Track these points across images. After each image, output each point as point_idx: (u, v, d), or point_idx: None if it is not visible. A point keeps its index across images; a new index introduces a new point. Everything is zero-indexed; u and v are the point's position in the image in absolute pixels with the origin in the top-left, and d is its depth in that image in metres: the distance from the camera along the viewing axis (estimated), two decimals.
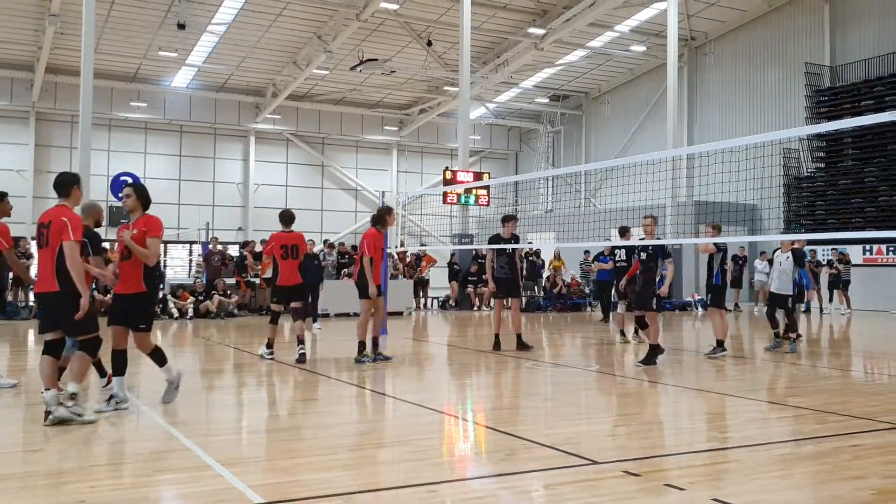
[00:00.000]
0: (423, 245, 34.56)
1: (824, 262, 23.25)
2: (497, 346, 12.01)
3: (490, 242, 12.16)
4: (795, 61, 28.66)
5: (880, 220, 23.17)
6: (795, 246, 12.41)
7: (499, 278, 11.99)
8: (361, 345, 10.41)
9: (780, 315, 12.37)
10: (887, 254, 23.70)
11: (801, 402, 7.82)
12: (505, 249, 11.84)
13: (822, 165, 27.34)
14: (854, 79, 26.77)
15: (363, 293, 10.45)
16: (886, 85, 25.22)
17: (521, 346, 11.89)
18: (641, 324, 10.77)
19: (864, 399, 8.01)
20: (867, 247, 24.13)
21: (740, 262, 23.67)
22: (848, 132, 25.93)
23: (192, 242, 34.65)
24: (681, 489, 4.58)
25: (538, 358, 11.19)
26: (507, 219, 12.02)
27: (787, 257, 12.20)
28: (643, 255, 10.85)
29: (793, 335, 12.11)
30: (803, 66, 27.84)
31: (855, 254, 24.08)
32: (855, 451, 5.57)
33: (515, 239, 12.09)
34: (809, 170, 27.52)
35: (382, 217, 10.62)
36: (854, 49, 27.27)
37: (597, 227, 22.34)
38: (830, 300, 22.93)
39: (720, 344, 11.34)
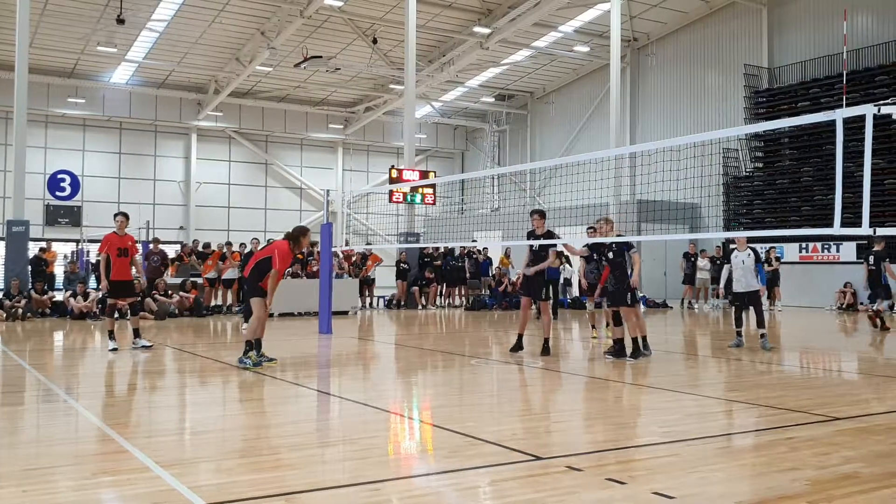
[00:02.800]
0: (368, 244, 34.43)
1: (762, 260, 23.78)
2: (518, 346, 11.33)
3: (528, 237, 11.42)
4: (735, 63, 29.33)
5: (816, 218, 23.83)
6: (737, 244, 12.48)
7: (527, 277, 11.35)
8: (249, 344, 9.74)
9: (745, 315, 12.48)
10: (822, 252, 24.38)
11: (739, 396, 8.00)
12: (532, 246, 11.28)
13: (761, 165, 28.02)
14: (791, 80, 27.51)
15: (258, 292, 9.82)
16: (822, 86, 25.96)
17: (544, 349, 11.11)
18: (616, 321, 10.86)
19: (799, 393, 8.22)
20: (803, 245, 24.80)
21: (692, 259, 24.14)
22: (785, 133, 26.62)
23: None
24: (622, 483, 4.64)
25: (483, 356, 11.22)
26: (534, 213, 11.33)
27: (749, 254, 12.17)
28: (610, 255, 10.94)
29: (763, 330, 12.20)
30: (742, 68, 28.51)
31: (791, 252, 24.73)
32: (790, 444, 5.71)
33: (549, 236, 11.23)
34: (748, 169, 28.18)
35: (297, 238, 9.99)
36: (791, 51, 28.02)
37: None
38: (768, 297, 23.48)
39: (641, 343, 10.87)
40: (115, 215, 11.76)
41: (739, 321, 12.48)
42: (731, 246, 13.64)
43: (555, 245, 11.08)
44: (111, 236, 11.60)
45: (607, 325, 12.39)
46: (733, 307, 12.81)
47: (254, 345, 9.73)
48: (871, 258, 15.76)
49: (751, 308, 12.46)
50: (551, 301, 19.38)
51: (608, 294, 11.07)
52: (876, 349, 13.61)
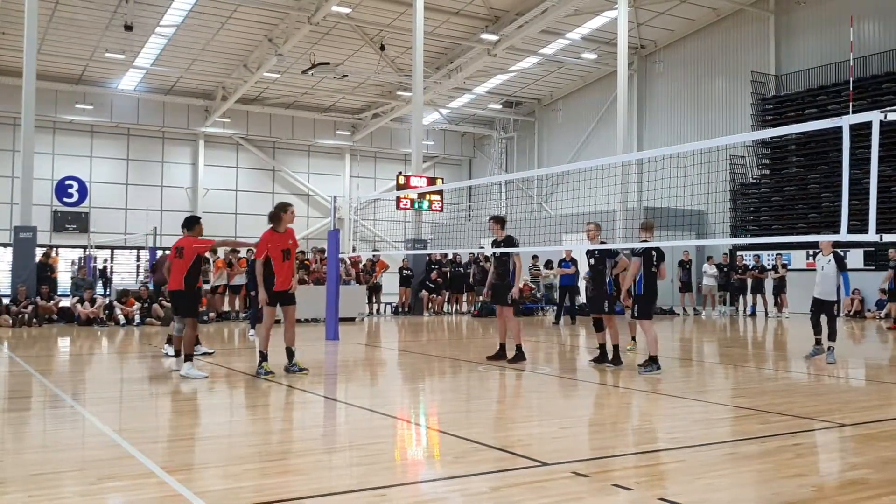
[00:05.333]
0: (375, 251, 34.45)
1: (769, 267, 23.75)
2: (500, 355, 11.20)
3: (493, 246, 11.31)
4: (742, 70, 29.31)
5: (823, 225, 23.75)
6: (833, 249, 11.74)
7: (493, 284, 11.31)
8: (261, 355, 9.52)
9: (823, 321, 11.61)
10: None
11: (746, 402, 7.97)
12: (495, 253, 11.18)
13: (768, 172, 27.96)
14: (798, 88, 27.45)
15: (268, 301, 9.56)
16: (829, 94, 25.91)
17: (515, 357, 10.97)
18: (597, 327, 10.85)
19: (806, 399, 8.19)
20: (810, 252, 24.70)
21: (687, 266, 24.19)
22: (792, 140, 26.56)
23: (139, 248, 34.05)
24: (628, 489, 4.63)
25: (491, 362, 11.20)
26: (493, 220, 11.26)
27: (829, 260, 11.57)
28: (591, 261, 10.97)
29: (832, 344, 11.41)
30: (749, 75, 28.47)
31: (798, 259, 24.65)
32: (797, 450, 5.70)
33: (508, 243, 11.08)
34: (755, 176, 28.12)
35: (277, 215, 9.48)
36: (798, 59, 27.98)
37: (549, 232, 22.51)
38: (776, 304, 23.43)
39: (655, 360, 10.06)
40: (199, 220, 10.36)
41: (817, 328, 11.69)
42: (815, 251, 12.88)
43: (618, 254, 11.01)
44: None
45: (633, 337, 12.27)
46: (810, 313, 11.95)
47: (265, 355, 9.53)
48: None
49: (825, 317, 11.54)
50: (569, 307, 19.57)
51: (587, 300, 10.98)
52: (883, 354, 13.57)
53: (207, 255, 20.63)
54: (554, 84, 37.91)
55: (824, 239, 11.55)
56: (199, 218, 10.29)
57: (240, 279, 19.91)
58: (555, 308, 23.95)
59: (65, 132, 35.25)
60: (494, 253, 11.22)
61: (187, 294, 9.68)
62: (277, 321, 10.13)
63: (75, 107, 34.52)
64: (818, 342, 11.73)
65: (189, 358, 9.42)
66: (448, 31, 30.53)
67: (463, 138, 44.52)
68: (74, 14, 27.35)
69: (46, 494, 4.55)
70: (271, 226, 9.57)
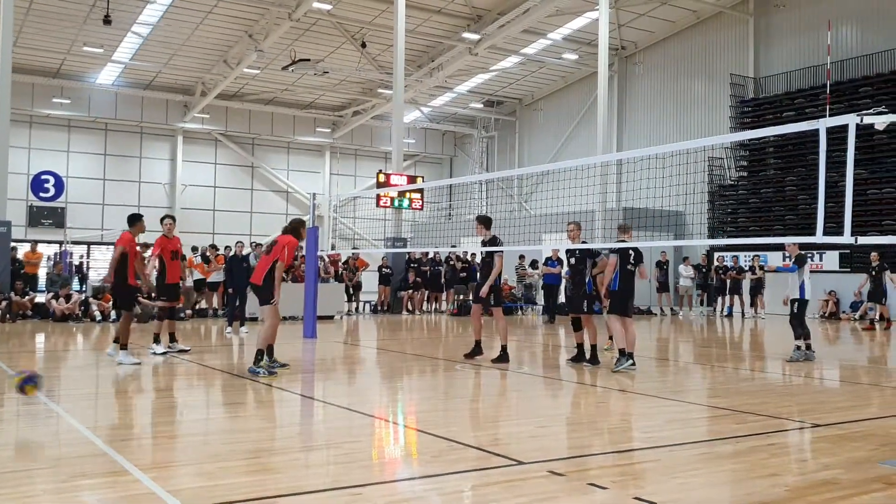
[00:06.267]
0: (355, 248, 34.37)
1: (746, 269, 23.95)
2: (476, 352, 11.22)
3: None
4: (721, 72, 29.52)
5: (800, 227, 23.97)
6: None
7: (476, 284, 11.32)
8: (260, 353, 9.52)
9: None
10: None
11: (722, 402, 8.03)
12: (482, 252, 11.18)
13: (746, 174, 28.19)
14: (776, 90, 27.70)
15: (269, 299, 9.67)
16: (807, 97, 26.16)
17: (499, 357, 10.94)
18: (575, 326, 10.89)
19: (780, 400, 8.26)
20: (787, 253, 24.91)
21: (664, 267, 24.35)
22: (770, 142, 26.79)
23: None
24: (604, 488, 4.65)
25: (468, 361, 11.20)
26: (478, 220, 11.24)
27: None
28: (572, 260, 11.01)
29: (798, 342, 11.57)
30: (728, 78, 28.69)
31: (775, 260, 24.84)
32: (771, 450, 5.74)
33: (493, 243, 11.07)
34: (733, 178, 28.33)
35: (297, 229, 10.01)
36: (777, 62, 28.22)
37: (530, 231, 22.56)
38: (752, 304, 23.63)
39: (625, 354, 10.10)
40: (163, 218, 11.80)
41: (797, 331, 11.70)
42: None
43: (500, 252, 11.06)
44: (162, 239, 11.56)
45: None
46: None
47: (265, 352, 9.57)
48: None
49: None
50: (549, 306, 19.65)
51: (566, 299, 11.05)
52: (857, 355, 13.73)
53: (188, 252, 20.57)
54: (535, 84, 37.98)
55: (794, 241, 11.69)
56: (141, 216, 11.03)
57: (217, 276, 19.80)
58: (534, 307, 24.05)
59: (41, 126, 34.84)
60: (481, 253, 11.21)
61: (116, 287, 10.64)
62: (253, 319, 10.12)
63: (52, 101, 34.14)
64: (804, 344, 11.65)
65: (124, 346, 10.21)
66: (430, 30, 30.50)
67: (444, 137, 44.50)
68: (52, 6, 27.05)
69: (18, 492, 4.49)
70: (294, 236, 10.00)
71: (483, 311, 11.36)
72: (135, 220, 10.79)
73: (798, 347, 11.59)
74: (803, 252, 12.22)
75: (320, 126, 40.82)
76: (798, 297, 11.74)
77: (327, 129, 40.96)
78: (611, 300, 10.33)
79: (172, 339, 11.67)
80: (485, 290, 10.88)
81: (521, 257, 24.87)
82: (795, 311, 11.73)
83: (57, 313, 17.86)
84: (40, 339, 14.41)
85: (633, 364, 10.01)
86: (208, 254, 20.40)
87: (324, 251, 22.49)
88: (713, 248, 25.93)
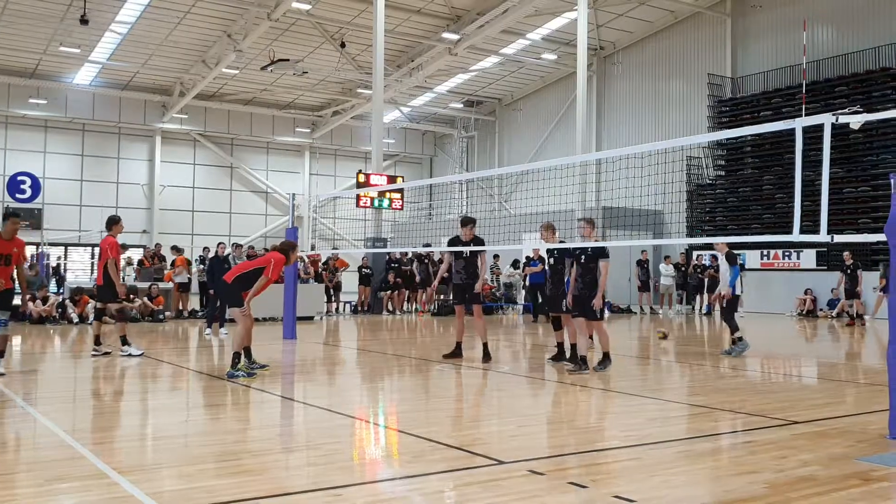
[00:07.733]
0: (335, 248, 34.27)
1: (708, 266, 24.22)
2: (456, 353, 11.28)
3: (449, 245, 11.31)
4: (699, 72, 29.74)
5: (777, 226, 24.18)
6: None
7: (456, 284, 11.30)
8: (237, 356, 9.41)
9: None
10: (783, 259, 24.76)
11: (701, 400, 8.09)
12: (462, 253, 11.11)
13: (723, 173, 28.40)
14: (754, 90, 27.93)
15: (235, 302, 9.68)
16: (784, 96, 26.39)
17: (486, 355, 10.99)
18: (556, 325, 10.93)
19: (759, 397, 8.32)
20: (764, 252, 25.16)
21: (646, 265, 24.49)
22: (747, 141, 27.01)
23: (93, 245, 33.43)
24: (583, 487, 4.67)
25: (448, 360, 11.20)
26: (466, 222, 11.17)
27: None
28: (551, 261, 11.04)
29: (734, 336, 11.93)
30: (706, 77, 28.90)
31: (753, 259, 25.09)
32: (749, 448, 5.79)
33: (478, 243, 11.15)
34: (711, 177, 28.54)
35: (287, 252, 9.92)
36: (754, 62, 28.46)
37: (509, 231, 22.59)
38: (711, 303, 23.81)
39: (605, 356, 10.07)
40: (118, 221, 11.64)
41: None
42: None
43: (483, 251, 11.10)
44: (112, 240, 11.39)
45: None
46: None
47: (242, 354, 9.49)
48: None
49: None
50: (536, 305, 19.66)
51: (546, 299, 11.08)
52: (834, 353, 13.87)
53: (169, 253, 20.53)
54: (514, 84, 38.06)
55: (776, 239, 11.84)
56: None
57: (180, 278, 19.95)
58: (514, 307, 24.09)
59: (17, 127, 34.49)
60: (464, 253, 11.19)
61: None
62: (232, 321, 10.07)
63: (28, 101, 33.80)
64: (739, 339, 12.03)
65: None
66: (409, 30, 30.48)
67: (424, 137, 44.48)
68: (28, 6, 26.77)
69: None
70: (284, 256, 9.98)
71: (466, 311, 11.35)
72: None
73: (734, 341, 11.95)
74: (734, 252, 12.64)
75: (300, 126, 40.69)
76: (732, 293, 12.21)
77: (307, 129, 40.83)
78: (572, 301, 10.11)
79: (97, 342, 11.49)
80: (478, 285, 10.92)
81: (496, 257, 24.95)
82: (725, 305, 12.23)
83: (34, 315, 17.67)
84: (17, 341, 14.24)
85: (587, 369, 9.79)
86: (173, 255, 20.49)
87: (304, 252, 22.39)
88: (692, 247, 26.09)
